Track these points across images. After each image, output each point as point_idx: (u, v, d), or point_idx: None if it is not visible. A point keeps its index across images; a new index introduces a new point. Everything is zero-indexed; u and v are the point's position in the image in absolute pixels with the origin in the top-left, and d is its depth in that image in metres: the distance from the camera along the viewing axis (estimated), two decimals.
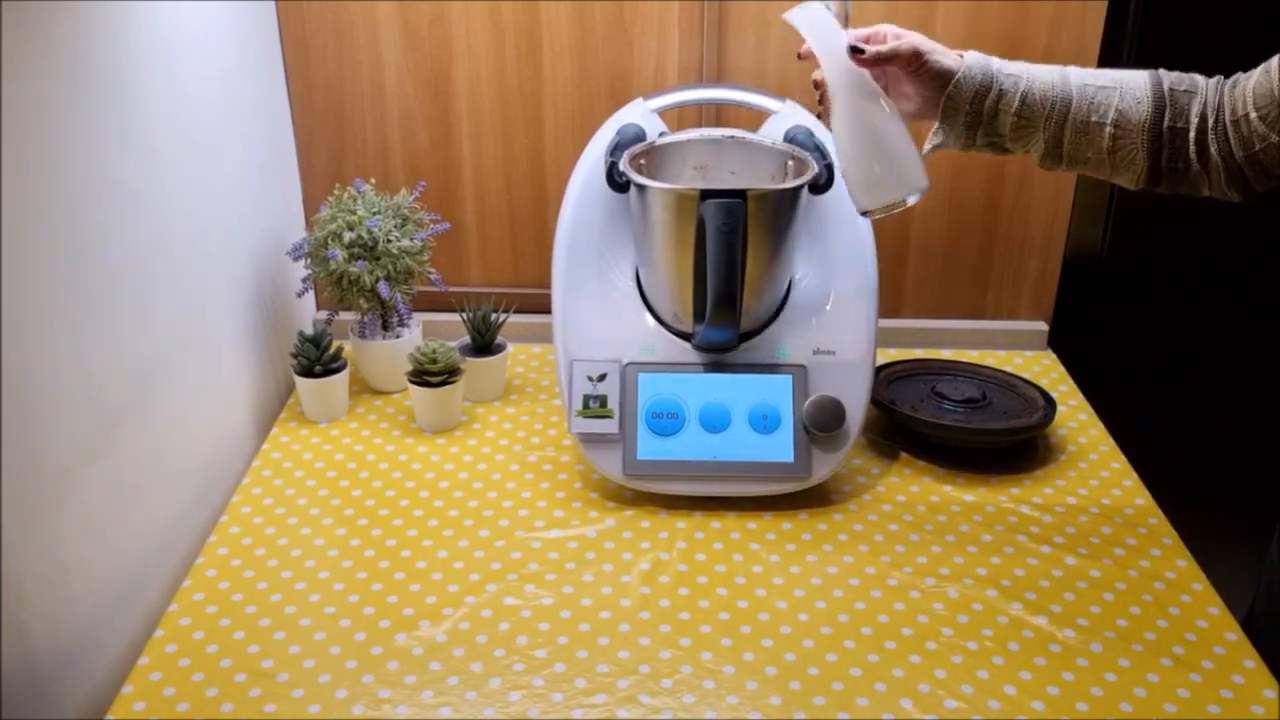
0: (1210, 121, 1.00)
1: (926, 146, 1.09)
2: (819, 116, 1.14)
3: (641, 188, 1.21)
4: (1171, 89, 1.01)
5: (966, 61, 1.04)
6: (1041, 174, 1.55)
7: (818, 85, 1.09)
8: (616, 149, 1.25)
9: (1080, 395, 1.50)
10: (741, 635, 1.07)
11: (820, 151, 1.25)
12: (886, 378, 1.43)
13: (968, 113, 1.04)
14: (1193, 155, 1.01)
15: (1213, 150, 1.00)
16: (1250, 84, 0.98)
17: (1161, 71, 1.03)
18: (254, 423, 1.39)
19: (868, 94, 1.05)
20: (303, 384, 1.40)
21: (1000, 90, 1.03)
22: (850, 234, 1.29)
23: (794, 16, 1.06)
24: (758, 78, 1.49)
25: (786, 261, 1.26)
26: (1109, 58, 1.50)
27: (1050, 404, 1.38)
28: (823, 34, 1.06)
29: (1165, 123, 1.01)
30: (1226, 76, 1.01)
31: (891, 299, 1.62)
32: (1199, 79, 1.02)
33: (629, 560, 1.17)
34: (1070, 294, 1.65)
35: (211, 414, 1.28)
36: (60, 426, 0.96)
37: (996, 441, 1.35)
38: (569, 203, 1.30)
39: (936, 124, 1.07)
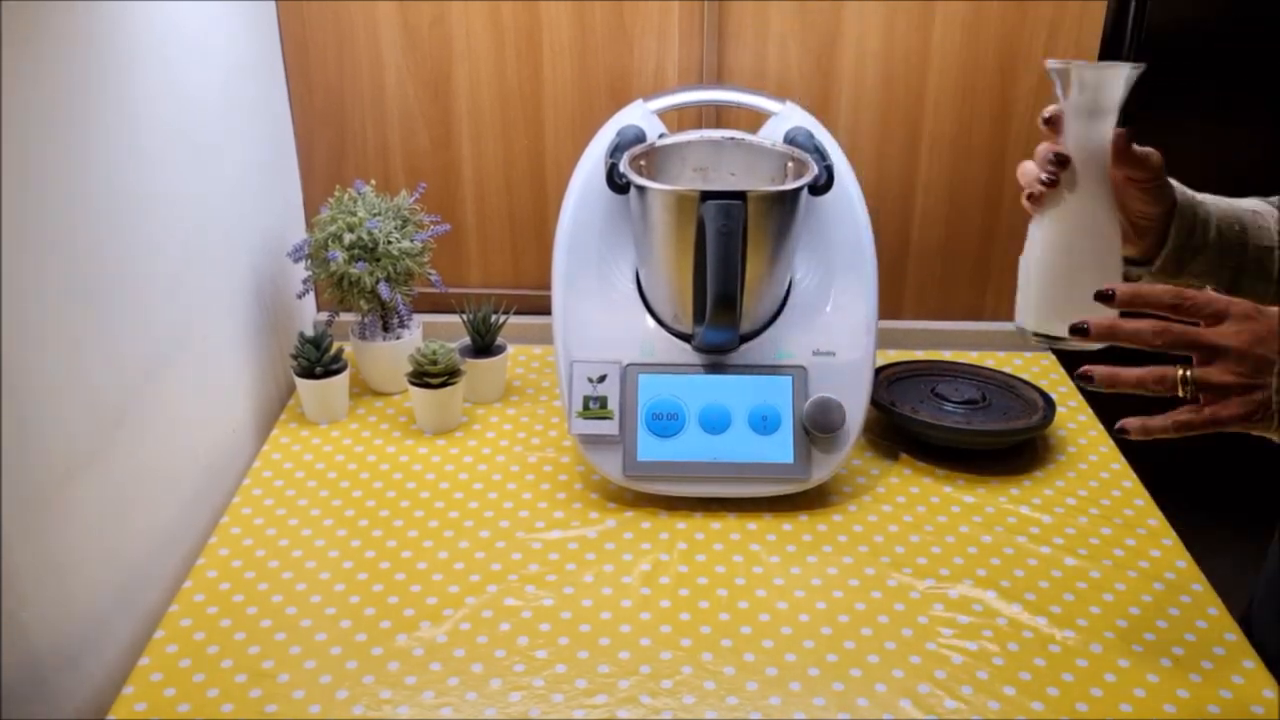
0: None
1: (1148, 274, 1.01)
2: (1029, 198, 0.94)
3: (641, 189, 1.21)
4: None
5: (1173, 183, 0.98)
6: None
7: (1058, 161, 0.91)
8: (616, 150, 1.26)
9: (1080, 396, 1.51)
10: (742, 636, 1.07)
11: (820, 153, 1.25)
12: (886, 379, 1.43)
13: (1181, 226, 0.97)
14: None
15: None
16: None
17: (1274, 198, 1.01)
18: (254, 424, 1.39)
19: (1108, 199, 0.90)
20: (303, 385, 1.40)
21: (1202, 211, 0.98)
22: (850, 235, 1.29)
23: (1086, 73, 0.89)
24: (758, 79, 1.49)
25: (786, 263, 1.26)
26: (1108, 59, 1.50)
27: (1050, 405, 1.38)
28: (1108, 106, 0.89)
29: None
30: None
31: (891, 300, 1.62)
32: None
33: (629, 561, 1.17)
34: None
35: (212, 415, 1.28)
36: (60, 427, 0.96)
37: (996, 442, 1.35)
38: (569, 204, 1.30)
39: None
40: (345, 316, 1.48)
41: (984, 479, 1.32)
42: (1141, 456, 1.37)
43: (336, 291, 1.41)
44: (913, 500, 1.28)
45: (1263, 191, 1.04)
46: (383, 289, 1.39)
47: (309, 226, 1.55)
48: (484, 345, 1.46)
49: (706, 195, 1.15)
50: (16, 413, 0.88)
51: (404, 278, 1.42)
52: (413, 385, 1.38)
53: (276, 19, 1.48)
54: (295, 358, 1.40)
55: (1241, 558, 1.34)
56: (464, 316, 1.46)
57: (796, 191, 1.21)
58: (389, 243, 1.39)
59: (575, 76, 1.50)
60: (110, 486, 1.04)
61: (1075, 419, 1.45)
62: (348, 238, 1.38)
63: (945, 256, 1.61)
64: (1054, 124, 0.92)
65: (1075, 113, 0.89)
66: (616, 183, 1.24)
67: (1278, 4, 1.55)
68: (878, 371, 1.33)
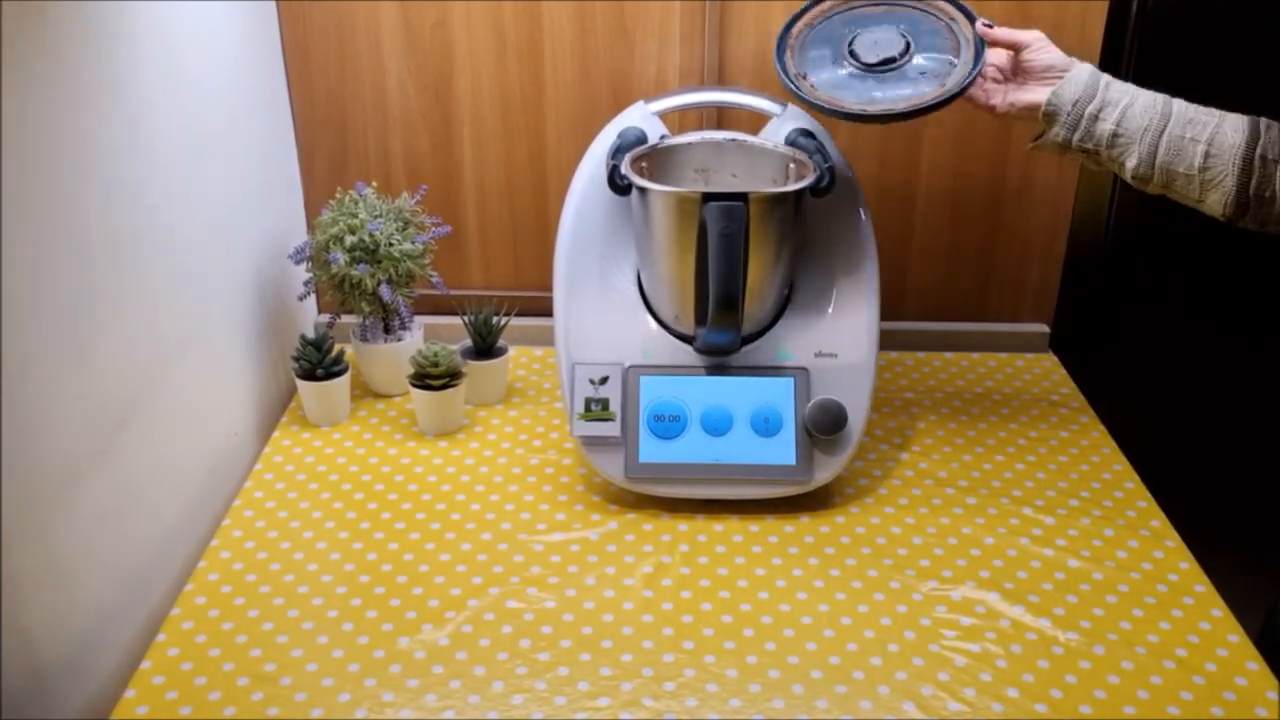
0: None
1: (1029, 144, 1.15)
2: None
3: (643, 191, 1.21)
4: (1269, 125, 1.05)
5: (1075, 68, 1.10)
6: (1043, 176, 1.55)
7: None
8: (618, 152, 1.25)
9: (1082, 398, 1.50)
10: (744, 638, 1.07)
11: (821, 154, 1.25)
12: (804, 31, 1.23)
13: (1067, 117, 1.09)
14: (1276, 195, 1.04)
15: None
16: None
17: (1265, 119, 1.06)
18: (256, 426, 1.39)
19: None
20: (304, 387, 1.40)
21: (1105, 100, 1.09)
22: (852, 236, 1.29)
23: None
24: (759, 81, 1.49)
25: (788, 264, 1.26)
26: (1109, 59, 1.50)
27: (979, 51, 1.17)
28: None
29: (1258, 150, 1.04)
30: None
31: (893, 301, 1.62)
32: None
33: (631, 563, 1.17)
34: (1072, 296, 1.65)
35: (213, 417, 1.28)
36: (63, 430, 0.96)
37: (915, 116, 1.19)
38: (570, 206, 1.30)
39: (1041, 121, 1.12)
40: (346, 318, 1.48)
41: (986, 481, 1.32)
42: (1144, 459, 1.38)
43: (338, 293, 1.41)
44: (915, 502, 1.28)
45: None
46: (384, 291, 1.39)
47: (310, 229, 1.55)
48: (485, 347, 1.46)
49: (708, 197, 1.15)
50: (19, 416, 0.88)
51: (405, 280, 1.42)
52: (414, 387, 1.38)
53: (278, 22, 1.48)
54: (296, 360, 1.40)
55: (1244, 559, 1.34)
56: (465, 318, 1.46)
57: (798, 193, 1.21)
58: (390, 245, 1.39)
59: (576, 78, 1.50)
60: (112, 489, 1.04)
61: (1077, 420, 1.45)
62: (349, 240, 1.38)
63: (947, 257, 1.61)
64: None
65: None
66: (618, 184, 1.24)
67: (1278, 5, 1.55)
68: (790, 24, 1.22)
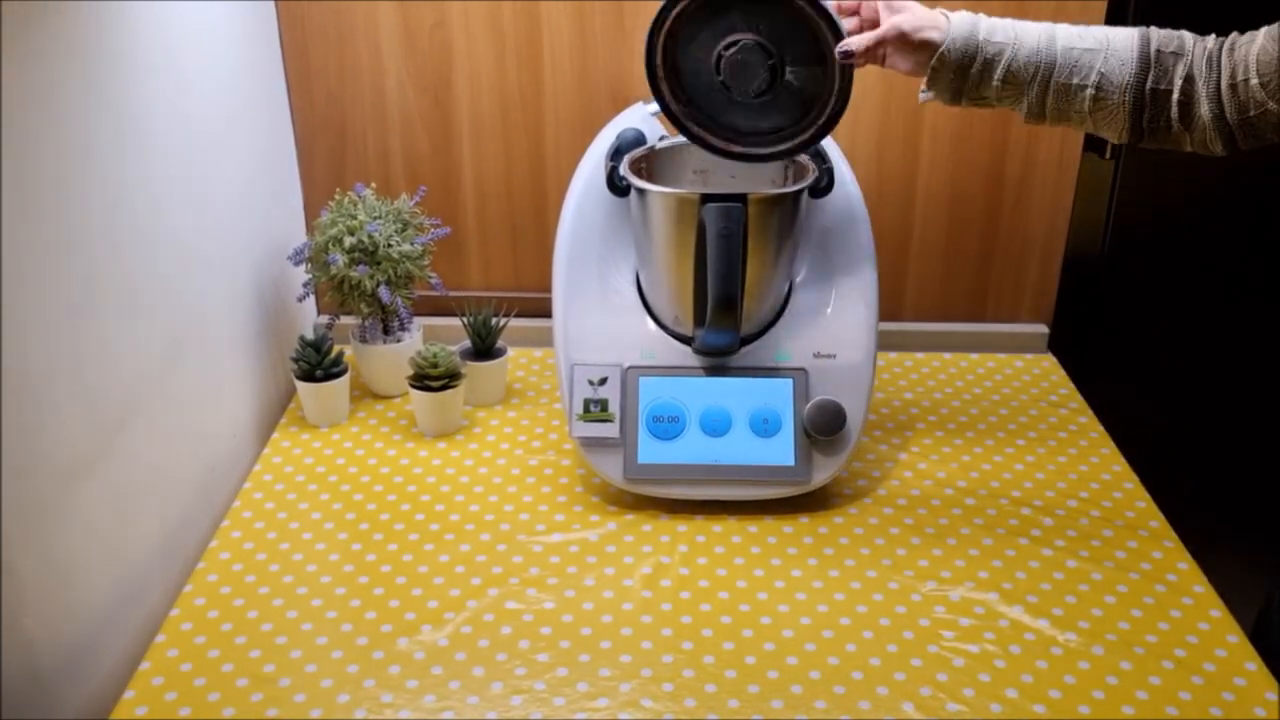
0: (1199, 83, 1.01)
1: (920, 98, 1.11)
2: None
3: (642, 192, 1.21)
4: (1159, 50, 1.03)
5: (952, 31, 1.05)
6: (1042, 177, 1.55)
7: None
8: (617, 153, 1.26)
9: (1081, 398, 1.50)
10: (743, 639, 1.07)
11: (820, 155, 1.25)
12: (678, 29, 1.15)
13: (953, 79, 1.07)
14: (1174, 116, 1.03)
15: (1201, 110, 1.01)
16: (1254, 49, 0.99)
17: (1151, 30, 1.04)
18: (255, 427, 1.39)
19: None
20: (303, 388, 1.40)
21: (985, 59, 1.06)
22: (850, 237, 1.29)
23: None
24: None
25: (787, 265, 1.26)
26: None
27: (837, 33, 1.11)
28: None
29: (1149, 84, 1.03)
30: (1223, 35, 1.02)
31: (892, 302, 1.62)
32: (1187, 39, 1.03)
33: (630, 564, 1.17)
34: (1071, 297, 1.65)
35: (212, 418, 1.28)
36: (61, 431, 0.96)
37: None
38: (569, 207, 1.30)
39: (924, 83, 1.09)
40: (346, 319, 1.48)
41: (985, 482, 1.32)
42: (1143, 459, 1.38)
43: (337, 295, 1.41)
44: (914, 503, 1.28)
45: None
46: (383, 292, 1.39)
47: (309, 230, 1.55)
48: (484, 348, 1.46)
49: (707, 198, 1.15)
50: (18, 416, 0.88)
51: (404, 281, 1.42)
52: (413, 388, 1.38)
53: (277, 23, 1.48)
54: (296, 361, 1.40)
55: (1243, 559, 1.34)
56: (464, 319, 1.46)
57: (797, 194, 1.21)
58: (389, 246, 1.39)
59: (575, 79, 1.50)
60: (111, 490, 1.04)
61: (1076, 421, 1.45)
62: (348, 241, 1.38)
63: (946, 258, 1.61)
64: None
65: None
66: (617, 185, 1.24)
67: (1272, 5, 1.55)
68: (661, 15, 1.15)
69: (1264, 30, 0.99)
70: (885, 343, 1.58)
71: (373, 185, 1.48)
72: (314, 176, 1.57)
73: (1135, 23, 1.07)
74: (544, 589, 1.13)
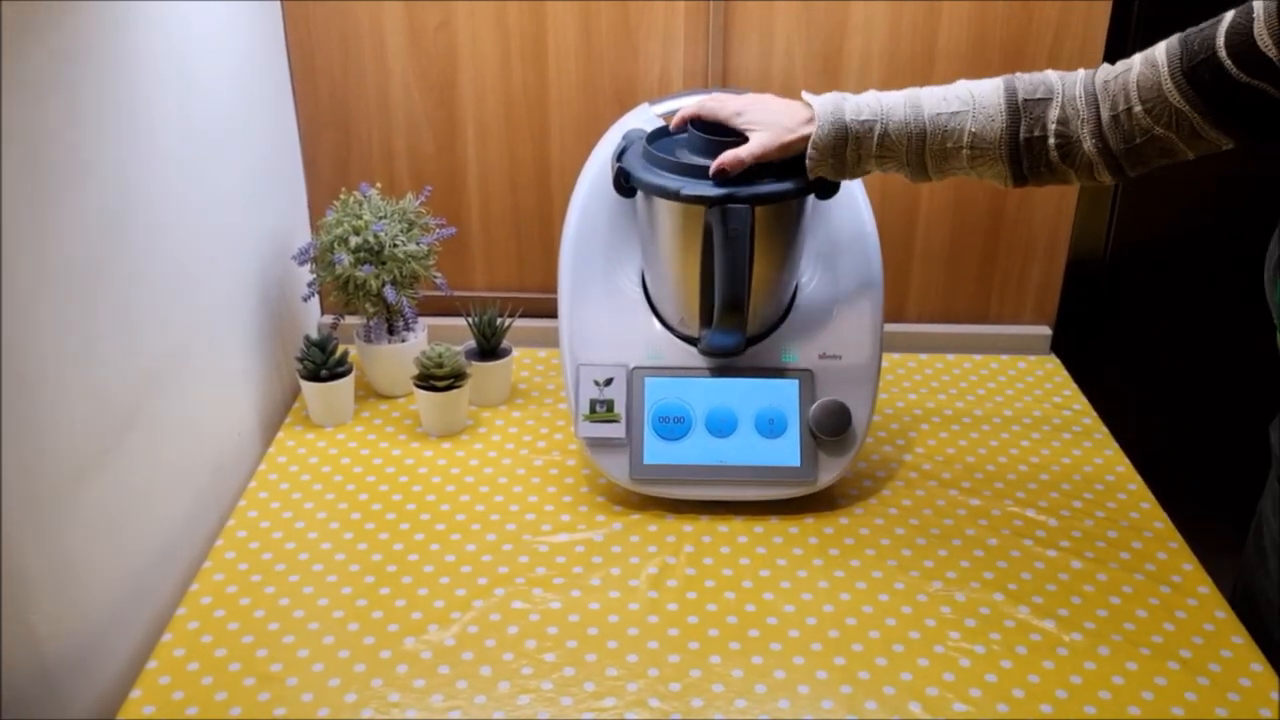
0: (1075, 122, 1.01)
1: (811, 176, 1.12)
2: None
3: (648, 193, 1.21)
4: (1025, 100, 1.03)
5: (818, 122, 1.08)
6: None
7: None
8: (622, 154, 1.26)
9: (1084, 400, 1.51)
10: (749, 639, 1.07)
11: None
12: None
13: (832, 162, 1.09)
14: (1055, 158, 1.03)
15: (1085, 147, 1.01)
16: (1132, 77, 0.98)
17: (1016, 78, 1.05)
18: (260, 427, 1.39)
19: None
20: (308, 388, 1.40)
21: (856, 138, 1.07)
22: (856, 239, 1.29)
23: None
24: (763, 81, 1.50)
25: (793, 266, 1.26)
26: (1113, 59, 1.50)
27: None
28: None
29: (1021, 135, 1.03)
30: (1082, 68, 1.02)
31: (896, 303, 1.62)
32: (1053, 80, 1.03)
33: (636, 564, 1.17)
34: (1074, 298, 1.65)
35: (218, 418, 1.28)
36: (68, 430, 0.96)
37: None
38: (575, 207, 1.30)
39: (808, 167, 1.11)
40: (350, 319, 1.48)
41: (989, 482, 1.32)
42: (1146, 460, 1.38)
43: (342, 294, 1.41)
44: (919, 503, 1.28)
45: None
46: (388, 292, 1.39)
47: (314, 229, 1.55)
48: (489, 348, 1.46)
49: (714, 200, 1.15)
50: (24, 415, 0.88)
51: (409, 281, 1.42)
52: (418, 388, 1.38)
53: (283, 22, 1.48)
54: (301, 360, 1.40)
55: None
56: (469, 319, 1.46)
57: (803, 196, 1.21)
58: (394, 246, 1.39)
59: (581, 80, 1.50)
60: (117, 489, 1.04)
61: (1080, 422, 1.45)
62: (353, 241, 1.38)
63: (950, 259, 1.61)
64: None
65: None
66: (623, 186, 1.24)
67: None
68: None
69: (1138, 57, 0.99)
70: (889, 344, 1.58)
71: (378, 185, 1.48)
72: (319, 176, 1.57)
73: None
74: (550, 589, 1.13)
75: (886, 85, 1.48)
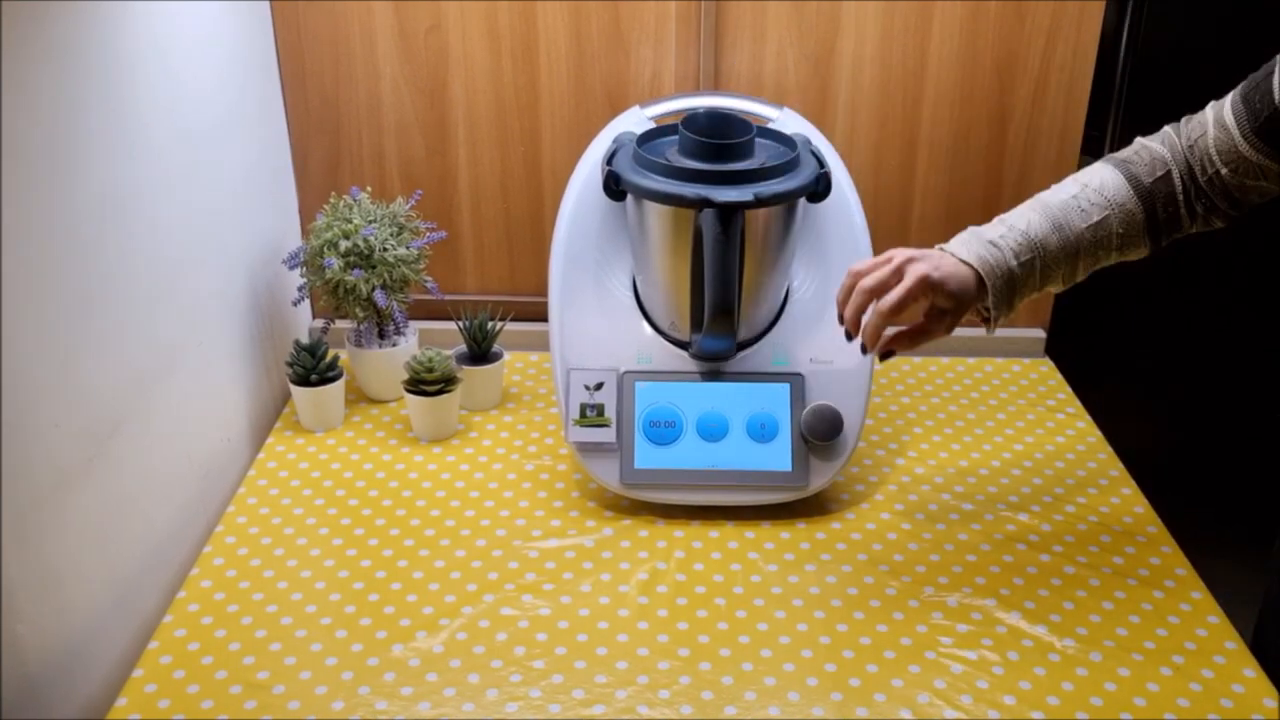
0: (1193, 190, 1.05)
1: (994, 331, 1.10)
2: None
3: (639, 196, 1.20)
4: (1152, 189, 1.05)
5: (990, 284, 1.04)
6: (1038, 181, 1.55)
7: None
8: (613, 157, 1.25)
9: (1078, 403, 1.50)
10: (740, 646, 1.06)
11: (817, 159, 1.24)
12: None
13: (1006, 309, 1.07)
14: (1186, 223, 1.07)
15: (1199, 209, 1.06)
16: (1208, 143, 1.03)
17: (1128, 162, 1.06)
18: (250, 432, 1.39)
19: None
20: (299, 393, 1.40)
21: (1022, 281, 1.05)
22: (847, 242, 1.29)
23: None
24: (754, 85, 1.49)
25: (784, 270, 1.25)
26: (1104, 62, 1.50)
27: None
28: None
29: (1160, 216, 1.06)
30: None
31: None
32: (1162, 153, 1.06)
33: (627, 570, 1.17)
34: (1068, 301, 1.64)
35: (207, 423, 1.28)
36: (55, 436, 0.95)
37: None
38: (565, 211, 1.30)
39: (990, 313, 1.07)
40: (341, 324, 1.47)
41: (982, 487, 1.31)
42: (1140, 464, 1.37)
43: (332, 299, 1.40)
44: (911, 508, 1.27)
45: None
46: (379, 296, 1.38)
47: (304, 234, 1.54)
48: (480, 352, 1.45)
49: (705, 203, 1.15)
50: (10, 422, 0.88)
51: (400, 285, 1.41)
52: (409, 393, 1.37)
53: (272, 26, 1.47)
54: (291, 365, 1.39)
55: (1241, 564, 1.34)
56: (460, 323, 1.45)
57: (794, 199, 1.20)
58: (385, 250, 1.39)
59: (572, 83, 1.50)
60: (105, 495, 1.04)
61: (1073, 426, 1.44)
62: (343, 245, 1.37)
63: None
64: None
65: None
66: (614, 189, 1.23)
67: (1273, 7, 1.55)
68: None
69: (1209, 116, 1.03)
70: None
71: (368, 189, 1.47)
72: (309, 180, 1.57)
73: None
74: (540, 595, 1.13)
75: (879, 86, 1.48)
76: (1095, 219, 1.05)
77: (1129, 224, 1.05)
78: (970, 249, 1.05)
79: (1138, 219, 1.05)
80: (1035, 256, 1.05)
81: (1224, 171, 1.02)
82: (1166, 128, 1.08)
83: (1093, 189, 1.06)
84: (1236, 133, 1.00)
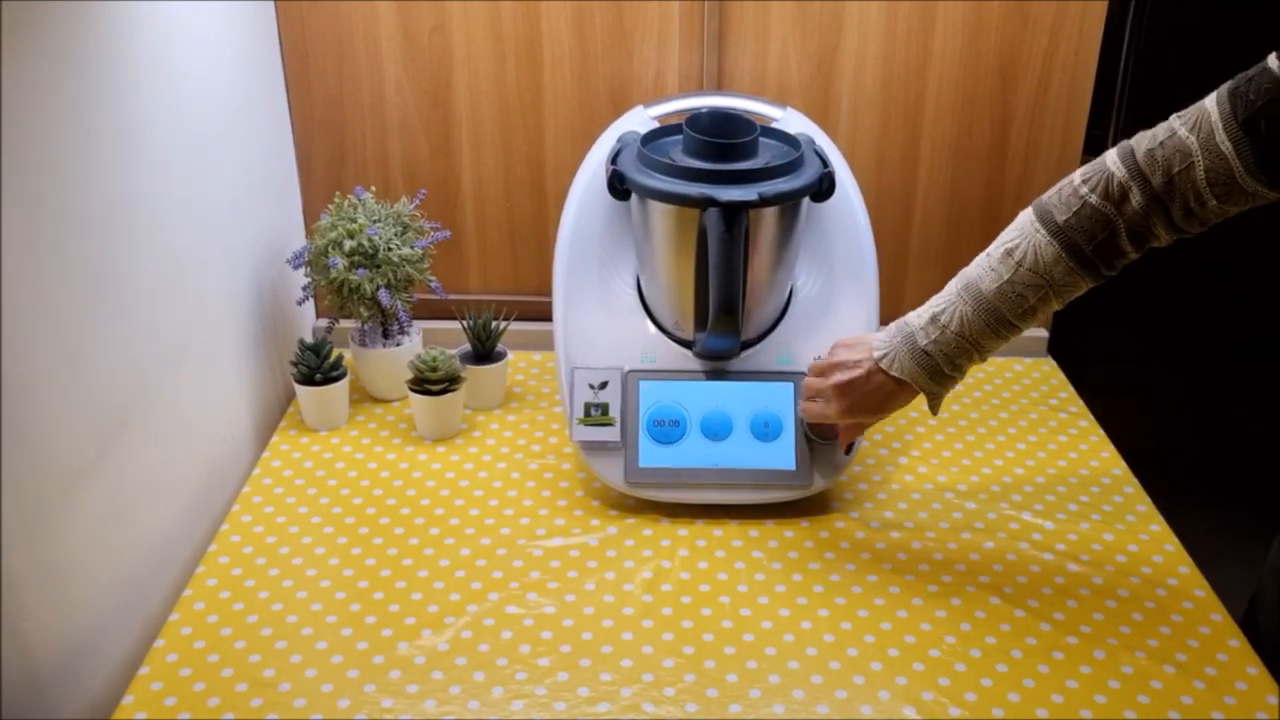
0: (1149, 233, 1.00)
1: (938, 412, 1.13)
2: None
3: (643, 196, 1.20)
4: (1094, 254, 1.00)
5: (923, 379, 1.08)
6: (1041, 181, 1.55)
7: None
8: (617, 156, 1.25)
9: (1080, 402, 1.50)
10: (744, 643, 1.07)
11: (820, 159, 1.25)
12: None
13: (941, 398, 1.11)
14: (1133, 258, 1.03)
15: (1161, 234, 1.00)
16: (1198, 175, 0.95)
17: (1071, 230, 1.00)
18: (254, 431, 1.39)
19: None
20: (303, 392, 1.40)
21: (956, 379, 1.09)
22: (851, 241, 1.29)
23: None
24: (758, 85, 1.49)
25: (788, 269, 1.26)
26: (1107, 61, 1.50)
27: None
28: None
29: (1104, 274, 1.03)
30: (1170, 112, 1.00)
31: (892, 306, 1.61)
32: (1105, 212, 0.99)
33: (631, 568, 1.17)
34: (1070, 301, 1.65)
35: (212, 422, 1.28)
36: (61, 435, 0.95)
37: None
38: (569, 210, 1.30)
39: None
40: (345, 323, 1.47)
41: (985, 485, 1.32)
42: (1142, 462, 1.38)
43: (336, 298, 1.41)
44: (915, 506, 1.28)
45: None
46: (383, 296, 1.38)
47: (309, 233, 1.54)
48: (484, 352, 1.46)
49: (709, 202, 1.15)
50: (16, 421, 0.88)
51: (404, 284, 1.42)
52: (413, 392, 1.38)
53: (276, 26, 1.48)
54: (295, 365, 1.40)
55: (1244, 563, 1.34)
56: (464, 323, 1.45)
57: (798, 198, 1.21)
58: (389, 249, 1.39)
59: (575, 83, 1.50)
60: (110, 494, 1.04)
61: (1076, 425, 1.45)
62: (348, 244, 1.38)
63: (945, 262, 1.60)
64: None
65: None
66: (618, 189, 1.24)
67: (1275, 6, 1.56)
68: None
69: (1196, 145, 0.95)
70: None
71: (372, 188, 1.48)
72: (313, 179, 1.57)
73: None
74: (544, 593, 1.13)
75: (882, 86, 1.49)
76: (1031, 301, 1.03)
77: (1069, 291, 1.03)
78: (902, 364, 1.08)
79: (1080, 284, 1.03)
80: (971, 351, 1.07)
81: (1211, 203, 0.96)
82: (1114, 156, 0.99)
83: (1026, 269, 1.02)
84: (1237, 164, 0.94)
